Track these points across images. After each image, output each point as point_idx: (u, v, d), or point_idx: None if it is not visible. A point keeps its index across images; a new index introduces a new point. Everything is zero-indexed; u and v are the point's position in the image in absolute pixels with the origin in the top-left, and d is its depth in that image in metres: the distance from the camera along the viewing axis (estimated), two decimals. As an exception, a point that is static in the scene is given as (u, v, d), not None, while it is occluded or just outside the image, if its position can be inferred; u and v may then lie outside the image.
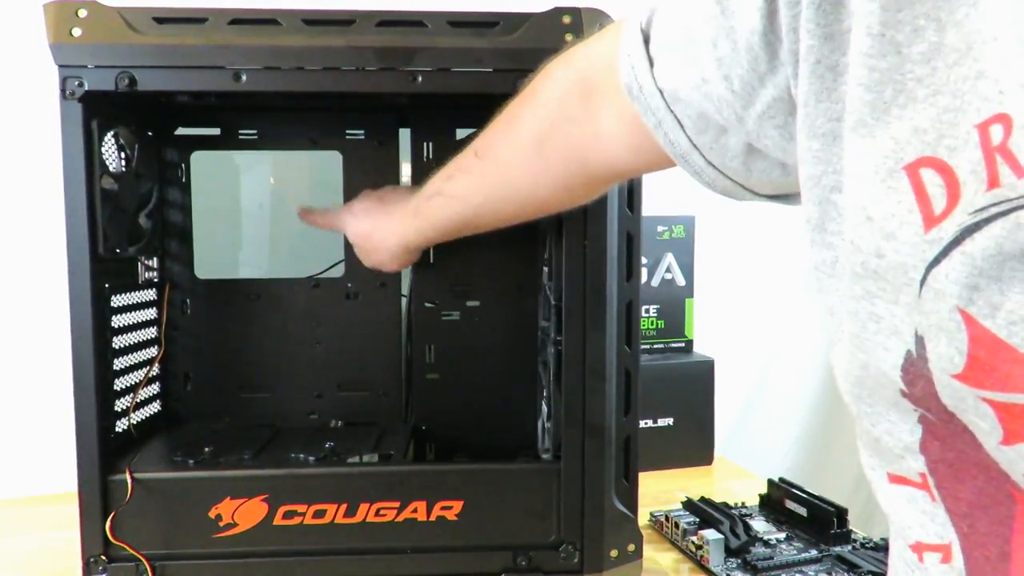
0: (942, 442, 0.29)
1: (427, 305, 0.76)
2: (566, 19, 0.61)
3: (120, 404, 0.68)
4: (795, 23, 0.33)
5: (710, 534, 0.72)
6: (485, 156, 0.57)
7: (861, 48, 0.30)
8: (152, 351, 0.76)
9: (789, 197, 0.44)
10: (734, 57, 0.37)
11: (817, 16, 0.31)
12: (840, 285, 0.32)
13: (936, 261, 0.27)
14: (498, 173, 0.57)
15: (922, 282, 0.27)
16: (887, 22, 0.29)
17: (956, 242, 0.26)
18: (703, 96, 0.40)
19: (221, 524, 0.63)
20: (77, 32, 0.59)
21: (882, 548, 0.74)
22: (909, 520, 0.32)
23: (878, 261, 0.29)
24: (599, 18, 0.62)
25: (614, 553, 0.66)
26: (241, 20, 0.61)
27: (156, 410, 0.77)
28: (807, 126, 0.33)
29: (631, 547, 0.67)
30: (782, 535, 0.77)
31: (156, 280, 0.77)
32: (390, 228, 0.66)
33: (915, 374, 0.28)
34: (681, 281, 1.05)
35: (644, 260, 1.01)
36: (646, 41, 0.43)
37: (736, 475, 1.02)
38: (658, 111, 0.43)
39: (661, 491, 0.92)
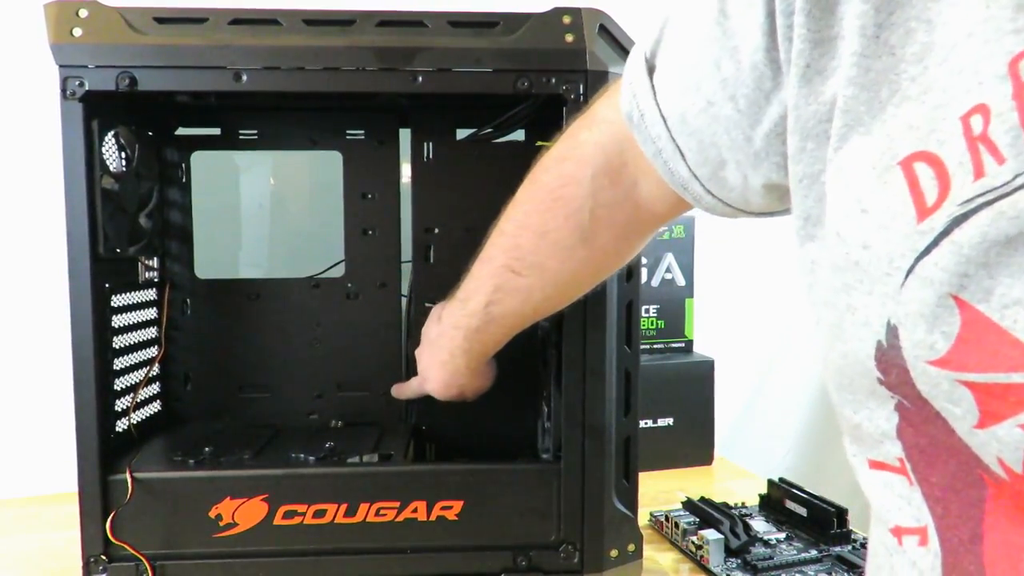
0: (915, 428, 0.30)
1: (427, 305, 0.76)
2: (566, 19, 0.61)
3: (120, 404, 0.68)
4: (789, 32, 0.34)
5: (710, 534, 0.72)
6: (527, 271, 0.56)
7: (855, 49, 0.31)
8: (152, 351, 0.76)
9: (783, 211, 0.45)
10: (738, 77, 0.37)
11: (808, 22, 0.33)
12: (825, 277, 0.33)
13: (927, 251, 0.28)
14: (549, 280, 0.56)
15: (908, 271, 0.28)
16: (881, 24, 0.30)
17: (945, 232, 0.27)
18: (710, 119, 0.40)
19: (221, 524, 0.63)
20: (78, 32, 0.59)
21: (882, 548, 0.74)
22: (888, 504, 0.33)
23: (862, 252, 0.30)
24: (599, 18, 0.62)
25: (614, 553, 0.66)
26: (241, 20, 0.61)
27: (156, 410, 0.77)
28: (800, 127, 0.34)
29: (631, 547, 0.67)
30: (782, 535, 0.77)
31: (156, 280, 0.77)
32: (458, 371, 0.65)
33: (888, 363, 0.29)
34: (681, 281, 1.05)
35: (644, 260, 1.01)
36: (651, 71, 0.44)
37: (736, 475, 1.02)
38: (659, 139, 0.43)
39: (661, 491, 0.92)
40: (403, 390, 0.76)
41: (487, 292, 0.58)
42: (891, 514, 0.33)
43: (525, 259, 0.56)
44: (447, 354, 0.64)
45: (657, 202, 0.50)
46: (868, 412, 0.32)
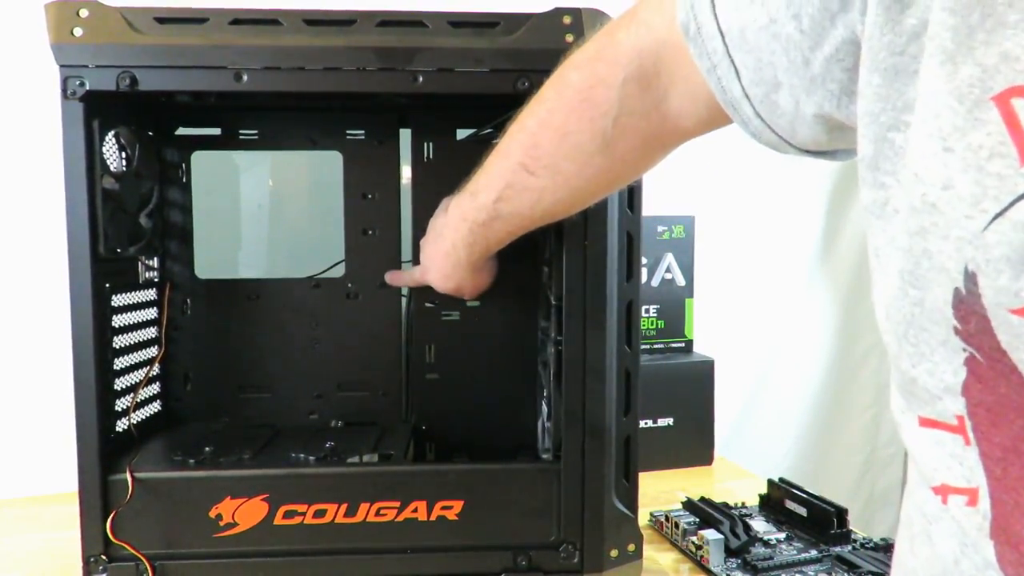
0: (984, 385, 0.29)
1: (427, 305, 0.77)
2: (566, 19, 0.61)
3: (120, 404, 0.68)
4: None
5: (710, 534, 0.72)
6: (540, 171, 0.54)
7: None
8: (152, 351, 0.76)
9: (831, 153, 0.44)
10: None
11: None
12: (889, 225, 0.31)
13: None
14: (562, 184, 0.55)
15: (998, 214, 0.26)
16: None
17: None
18: (770, 37, 0.38)
19: (221, 524, 0.63)
20: (78, 32, 0.59)
21: (882, 548, 0.74)
22: (935, 463, 0.32)
23: (941, 193, 0.28)
24: (599, 18, 0.62)
25: (614, 553, 0.66)
26: (242, 20, 0.61)
27: (156, 410, 0.77)
28: (869, 59, 0.32)
29: (631, 547, 0.67)
30: (782, 535, 0.77)
31: (156, 280, 0.77)
32: (459, 263, 0.65)
33: (967, 311, 0.28)
34: (681, 281, 1.05)
35: (644, 260, 1.01)
36: None
37: (736, 475, 1.03)
38: (715, 54, 0.42)
39: (661, 491, 0.92)
40: (400, 277, 0.76)
41: (498, 188, 0.57)
42: (938, 473, 0.32)
43: (542, 159, 0.54)
44: (450, 245, 0.64)
45: (685, 117, 0.48)
46: (931, 365, 0.30)
